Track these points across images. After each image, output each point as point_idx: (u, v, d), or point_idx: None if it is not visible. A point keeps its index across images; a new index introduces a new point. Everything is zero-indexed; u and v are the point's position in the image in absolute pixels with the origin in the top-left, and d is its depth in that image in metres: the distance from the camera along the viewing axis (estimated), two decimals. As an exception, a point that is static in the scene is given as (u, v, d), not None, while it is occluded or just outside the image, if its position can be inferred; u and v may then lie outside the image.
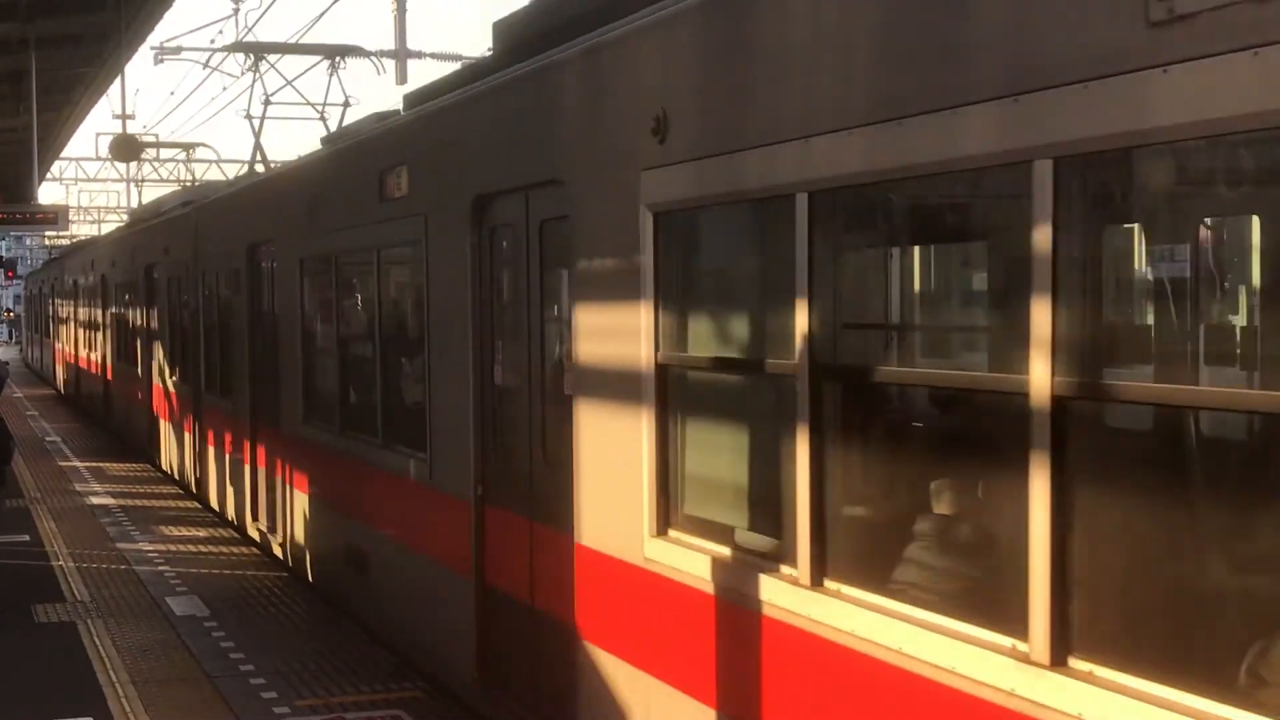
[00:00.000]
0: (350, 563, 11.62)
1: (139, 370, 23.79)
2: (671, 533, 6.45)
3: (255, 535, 15.42)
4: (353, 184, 11.24)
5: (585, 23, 7.45)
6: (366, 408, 11.29)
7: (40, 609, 12.40)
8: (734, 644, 5.93)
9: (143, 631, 11.57)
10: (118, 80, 22.60)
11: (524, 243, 8.13)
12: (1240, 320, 4.52)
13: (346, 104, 21.63)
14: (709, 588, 6.06)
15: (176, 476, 20.62)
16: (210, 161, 40.55)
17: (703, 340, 6.50)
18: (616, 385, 6.79)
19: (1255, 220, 4.87)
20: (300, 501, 13.23)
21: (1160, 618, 4.25)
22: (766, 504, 5.88)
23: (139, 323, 23.74)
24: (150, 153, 40.49)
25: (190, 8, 59.14)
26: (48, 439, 27.58)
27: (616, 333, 6.76)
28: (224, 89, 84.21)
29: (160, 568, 14.32)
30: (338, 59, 21.92)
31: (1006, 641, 4.36)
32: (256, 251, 14.88)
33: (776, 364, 5.61)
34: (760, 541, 5.88)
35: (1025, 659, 4.26)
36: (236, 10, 27.46)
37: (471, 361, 8.79)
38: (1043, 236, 4.15)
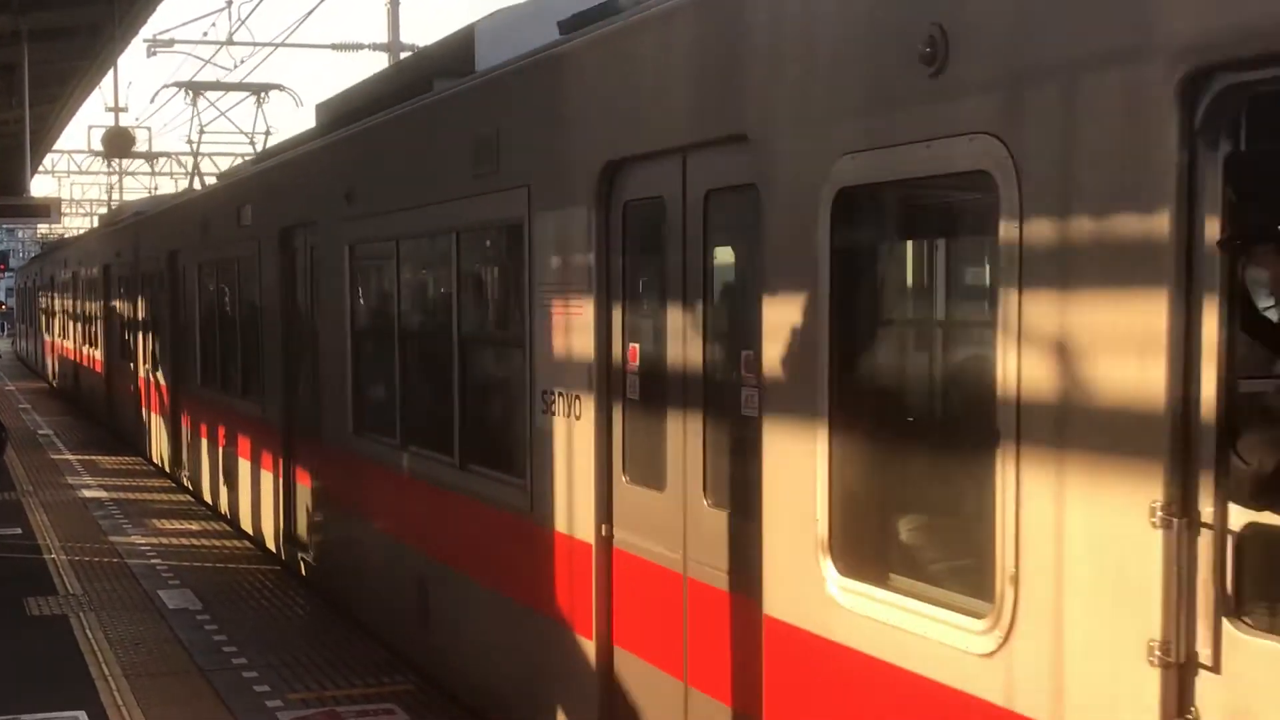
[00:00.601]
0: (224, 482, 16.35)
1: (100, 353, 28.59)
2: (364, 431, 11.17)
3: (185, 483, 20.14)
4: (224, 212, 15.98)
5: (369, 110, 11.82)
6: (232, 370, 16.11)
7: (32, 602, 12.46)
8: (380, 491, 10.71)
9: (135, 624, 11.68)
10: (110, 73, 22.68)
11: (305, 260, 12.85)
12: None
13: (268, 133, 26.26)
14: (373, 461, 10.80)
15: (131, 439, 25.24)
16: (205, 154, 43.96)
17: (367, 317, 11.27)
18: (335, 345, 11.51)
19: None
20: (201, 444, 17.98)
21: (487, 442, 8.93)
22: (384, 409, 10.58)
23: (101, 314, 28.50)
24: (140, 148, 42.91)
25: (184, 1, 63.10)
26: (40, 432, 27.78)
27: (335, 315, 11.49)
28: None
29: (152, 561, 14.45)
30: (263, 93, 26.61)
31: (449, 459, 9.09)
32: (174, 257, 19.61)
33: (390, 330, 10.32)
34: (384, 428, 10.58)
35: (455, 466, 8.99)
36: (230, 2, 29.53)
37: (282, 337, 13.52)
38: (454, 270, 8.90)
